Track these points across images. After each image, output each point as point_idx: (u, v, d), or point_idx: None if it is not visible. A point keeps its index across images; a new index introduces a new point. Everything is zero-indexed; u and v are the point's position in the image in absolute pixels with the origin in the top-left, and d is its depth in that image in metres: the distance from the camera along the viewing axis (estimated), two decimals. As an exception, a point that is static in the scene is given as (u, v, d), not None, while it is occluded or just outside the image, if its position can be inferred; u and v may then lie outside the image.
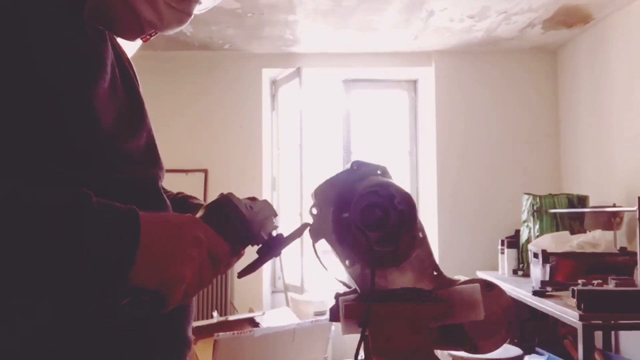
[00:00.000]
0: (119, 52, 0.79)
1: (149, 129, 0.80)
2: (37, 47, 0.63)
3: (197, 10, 0.82)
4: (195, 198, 0.96)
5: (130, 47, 0.86)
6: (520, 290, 2.56)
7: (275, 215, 0.79)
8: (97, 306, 0.58)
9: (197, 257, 0.62)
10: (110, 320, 0.64)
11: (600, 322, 2.03)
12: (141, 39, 0.79)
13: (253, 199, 0.79)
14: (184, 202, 0.91)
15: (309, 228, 0.73)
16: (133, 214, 0.59)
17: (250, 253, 0.78)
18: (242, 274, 0.75)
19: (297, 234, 0.75)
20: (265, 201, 0.79)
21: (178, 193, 0.95)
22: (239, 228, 0.72)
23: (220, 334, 2.29)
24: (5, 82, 0.61)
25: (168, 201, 0.81)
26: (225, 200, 0.72)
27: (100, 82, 0.69)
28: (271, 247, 0.75)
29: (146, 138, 0.79)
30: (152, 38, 0.79)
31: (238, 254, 0.77)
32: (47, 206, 0.55)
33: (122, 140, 0.73)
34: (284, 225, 3.95)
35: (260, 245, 0.75)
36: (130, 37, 0.78)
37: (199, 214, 0.71)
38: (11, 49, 0.61)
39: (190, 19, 0.80)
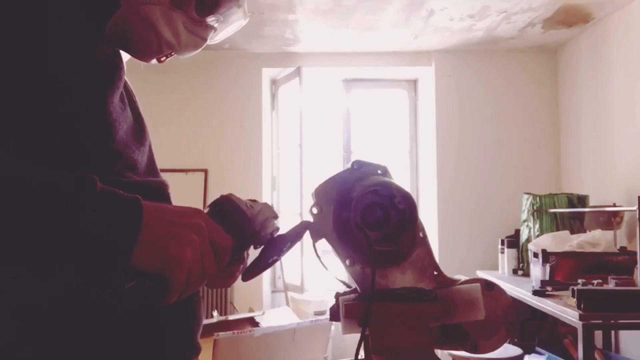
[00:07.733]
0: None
1: (150, 146, 0.83)
2: (54, 49, 0.65)
3: (211, 39, 0.85)
4: None
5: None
6: (520, 290, 2.56)
7: (276, 217, 0.79)
8: (103, 290, 0.58)
9: (198, 242, 0.62)
10: (116, 307, 0.64)
11: (600, 321, 2.03)
12: (157, 59, 0.81)
13: (254, 200, 0.79)
14: None
15: (309, 227, 0.74)
16: (136, 200, 0.60)
17: (253, 255, 0.78)
18: (247, 276, 0.75)
19: (298, 234, 0.75)
20: (265, 203, 0.80)
21: None
22: (240, 223, 0.73)
23: (220, 333, 2.29)
24: (17, 82, 0.62)
25: None
26: (226, 199, 0.74)
27: (115, 90, 0.72)
28: (274, 246, 0.75)
29: (148, 155, 0.82)
30: (166, 60, 0.82)
31: (241, 253, 0.77)
32: (51, 187, 0.55)
33: (131, 151, 0.75)
34: (284, 226, 3.94)
35: (262, 247, 0.75)
36: (147, 57, 0.80)
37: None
38: (28, 45, 0.63)
39: (204, 45, 0.84)
